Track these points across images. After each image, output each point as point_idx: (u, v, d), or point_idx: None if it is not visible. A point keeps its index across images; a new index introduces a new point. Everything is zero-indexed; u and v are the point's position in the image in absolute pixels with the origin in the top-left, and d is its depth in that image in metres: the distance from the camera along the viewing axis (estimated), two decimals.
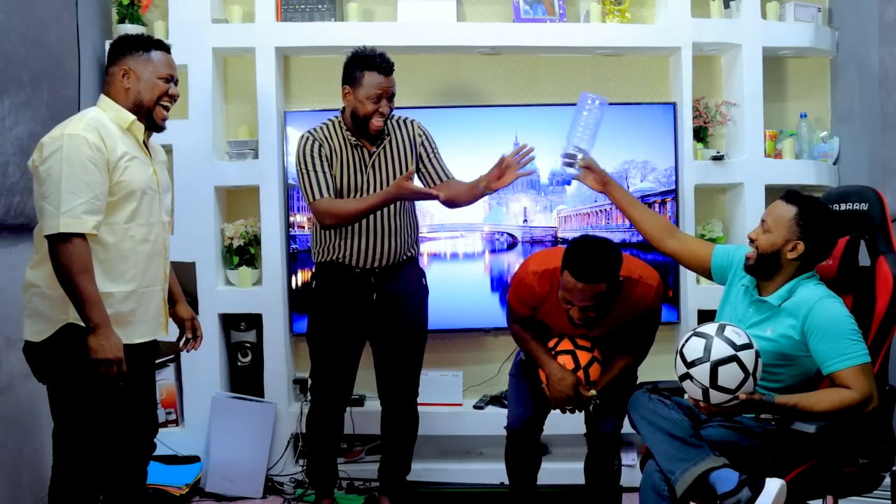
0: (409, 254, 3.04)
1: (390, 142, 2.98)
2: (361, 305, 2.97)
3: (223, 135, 3.70)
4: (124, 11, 3.59)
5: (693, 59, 3.62)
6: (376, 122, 2.87)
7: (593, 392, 2.65)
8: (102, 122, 2.28)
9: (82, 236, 2.17)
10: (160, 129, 2.43)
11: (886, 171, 3.29)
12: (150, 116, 2.38)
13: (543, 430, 2.87)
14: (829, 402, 2.19)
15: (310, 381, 3.14)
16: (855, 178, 3.58)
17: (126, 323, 2.30)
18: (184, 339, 2.62)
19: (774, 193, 3.61)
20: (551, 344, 2.72)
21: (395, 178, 2.94)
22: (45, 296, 2.26)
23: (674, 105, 3.64)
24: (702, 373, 2.16)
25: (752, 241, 2.39)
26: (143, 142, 2.40)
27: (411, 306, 3.04)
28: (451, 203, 2.96)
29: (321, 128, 2.97)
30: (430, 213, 3.57)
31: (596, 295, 2.44)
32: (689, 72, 3.61)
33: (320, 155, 2.89)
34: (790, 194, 2.39)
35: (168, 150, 3.51)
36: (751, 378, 2.15)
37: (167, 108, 2.42)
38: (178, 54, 3.45)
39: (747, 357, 2.15)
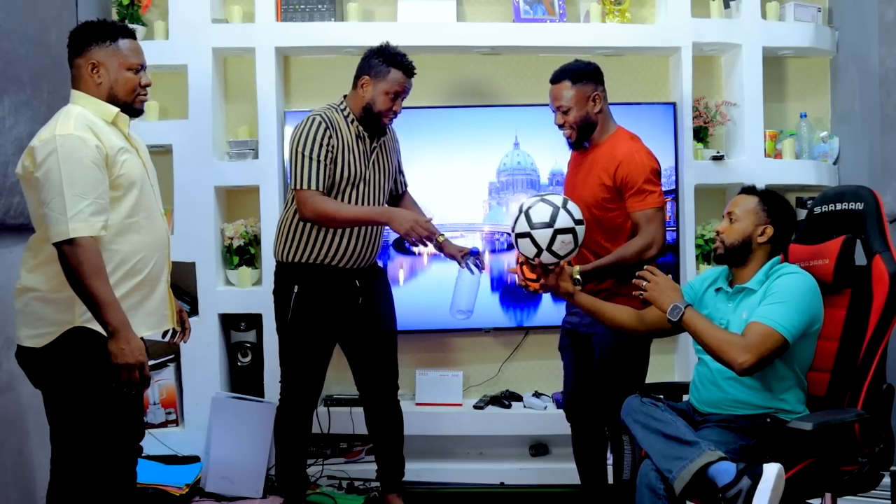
0: (377, 255, 3.09)
1: (386, 139, 3.00)
2: (348, 308, 2.97)
3: (223, 135, 3.70)
4: (124, 11, 3.59)
5: (693, 59, 3.62)
6: (388, 119, 2.92)
7: (574, 269, 2.64)
8: (90, 119, 2.21)
9: (91, 238, 2.11)
10: (140, 113, 2.37)
11: (886, 171, 3.28)
12: (129, 108, 2.32)
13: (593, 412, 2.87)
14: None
15: (281, 382, 3.07)
16: (855, 178, 3.58)
17: (131, 316, 2.22)
18: (170, 331, 2.52)
19: None
20: None
21: (386, 176, 3.00)
22: (47, 300, 2.20)
23: (674, 105, 3.63)
24: (543, 236, 2.47)
25: (718, 233, 2.47)
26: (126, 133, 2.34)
27: (387, 307, 3.09)
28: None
29: (330, 114, 2.88)
30: (429, 213, 3.55)
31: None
32: (689, 72, 3.61)
33: (328, 145, 2.81)
34: (747, 188, 2.53)
35: (168, 150, 3.53)
36: (578, 249, 2.53)
37: (145, 95, 2.35)
38: (178, 54, 3.51)
39: (582, 231, 2.51)
